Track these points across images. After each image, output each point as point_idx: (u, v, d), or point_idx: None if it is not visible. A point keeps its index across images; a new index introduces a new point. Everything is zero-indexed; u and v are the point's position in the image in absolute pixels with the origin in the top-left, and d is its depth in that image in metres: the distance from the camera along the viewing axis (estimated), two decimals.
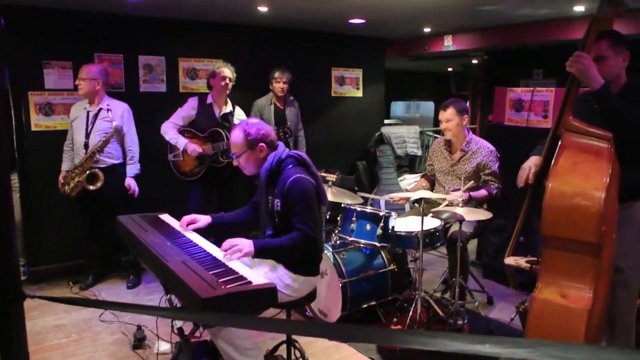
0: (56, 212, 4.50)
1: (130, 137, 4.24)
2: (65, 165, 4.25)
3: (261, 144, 2.66)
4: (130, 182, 4.22)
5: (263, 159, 2.69)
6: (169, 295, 2.53)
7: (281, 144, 2.77)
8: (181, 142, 4.27)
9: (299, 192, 2.55)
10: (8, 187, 1.46)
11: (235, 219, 2.97)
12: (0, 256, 1.45)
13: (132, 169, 4.25)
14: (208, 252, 2.42)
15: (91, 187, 4.05)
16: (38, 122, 4.44)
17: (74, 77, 4.43)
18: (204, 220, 2.86)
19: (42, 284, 4.42)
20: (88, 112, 4.14)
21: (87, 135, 4.10)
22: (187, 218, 2.87)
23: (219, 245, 2.61)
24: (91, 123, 4.11)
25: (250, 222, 2.98)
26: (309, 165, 2.72)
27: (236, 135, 2.68)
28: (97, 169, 4.07)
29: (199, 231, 2.86)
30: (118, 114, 4.16)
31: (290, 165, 2.66)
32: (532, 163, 2.58)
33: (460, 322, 3.40)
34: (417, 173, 6.81)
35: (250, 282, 2.01)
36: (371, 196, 4.57)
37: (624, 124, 2.23)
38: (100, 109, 4.12)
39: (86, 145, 4.08)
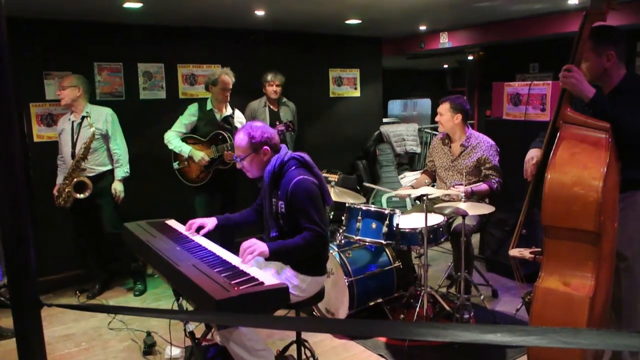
0: (61, 221, 4.52)
1: (115, 141, 4.22)
2: (60, 179, 4.27)
3: (265, 147, 2.69)
4: (117, 186, 4.20)
5: (267, 161, 2.72)
6: (180, 300, 2.56)
7: (284, 147, 2.80)
8: (185, 149, 4.30)
9: (304, 192, 2.57)
10: (25, 197, 1.49)
11: (240, 220, 3.00)
12: (17, 266, 1.48)
13: (119, 171, 4.23)
14: (218, 255, 2.45)
15: (79, 196, 4.06)
16: (40, 133, 4.48)
17: None
18: (210, 223, 2.88)
19: (49, 294, 4.45)
20: (72, 122, 4.16)
21: (74, 146, 4.12)
22: (193, 222, 2.89)
23: (226, 247, 2.65)
24: (76, 133, 4.13)
25: (254, 223, 3.01)
26: (312, 167, 2.74)
27: (241, 139, 2.70)
28: (85, 177, 4.08)
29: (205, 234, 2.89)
30: (100, 119, 4.16)
31: (293, 167, 2.68)
32: (532, 155, 2.62)
33: (466, 316, 3.44)
34: (417, 170, 6.84)
35: (262, 283, 2.04)
36: (377, 187, 4.63)
37: (618, 127, 2.26)
38: (83, 117, 4.13)
39: (73, 156, 4.11)
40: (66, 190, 4.10)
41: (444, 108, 3.91)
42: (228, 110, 4.50)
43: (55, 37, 4.50)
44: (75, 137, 4.13)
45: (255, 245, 2.48)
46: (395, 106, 11.93)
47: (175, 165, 4.38)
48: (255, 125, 2.75)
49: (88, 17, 4.45)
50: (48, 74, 4.46)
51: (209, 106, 4.43)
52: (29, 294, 1.53)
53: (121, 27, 4.75)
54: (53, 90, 4.48)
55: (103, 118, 4.18)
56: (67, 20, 4.48)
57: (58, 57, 4.50)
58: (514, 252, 2.57)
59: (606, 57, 2.44)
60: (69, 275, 4.63)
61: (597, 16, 2.27)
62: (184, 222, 3.07)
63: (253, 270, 2.24)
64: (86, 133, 4.10)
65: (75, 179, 4.07)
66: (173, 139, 4.34)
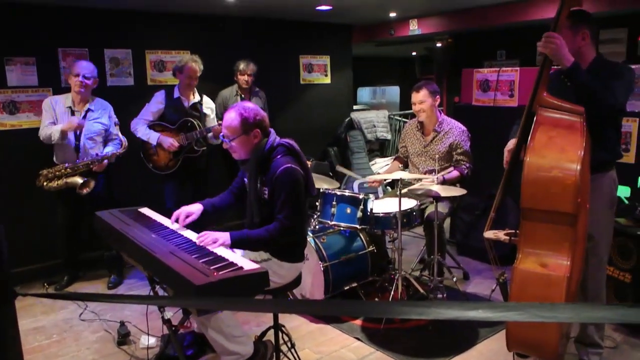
0: (27, 213, 4.39)
1: (114, 132, 4.20)
2: (58, 158, 4.07)
3: (257, 129, 2.63)
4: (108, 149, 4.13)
5: (256, 144, 2.65)
6: (156, 288, 2.52)
7: (272, 131, 2.74)
8: (153, 137, 4.21)
9: (288, 182, 2.54)
10: None
11: (221, 205, 2.92)
12: None
13: (113, 145, 4.19)
14: (194, 242, 2.42)
15: (83, 191, 3.92)
16: (2, 121, 4.31)
17: (38, 73, 4.35)
18: (196, 211, 2.77)
19: (16, 287, 4.29)
20: (73, 112, 4.02)
21: (78, 138, 3.98)
22: (178, 212, 2.74)
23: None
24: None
25: (233, 206, 2.96)
26: (299, 155, 2.70)
27: (232, 118, 2.61)
28: (89, 178, 3.95)
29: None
30: (104, 114, 4.13)
31: (280, 155, 2.64)
32: (510, 145, 2.67)
33: (440, 297, 3.50)
34: (387, 157, 6.90)
35: (241, 268, 2.03)
36: (349, 173, 4.64)
37: (594, 99, 2.33)
38: (89, 109, 4.04)
39: (77, 148, 3.99)
40: (63, 179, 3.92)
41: (424, 94, 3.88)
42: (196, 97, 4.43)
43: (17, 21, 4.31)
44: (78, 130, 3.97)
45: (217, 236, 2.44)
46: (364, 93, 11.96)
47: (143, 152, 4.30)
48: (248, 107, 2.66)
49: (52, 0, 4.29)
50: (9, 59, 4.29)
51: (176, 93, 4.34)
52: (2, 284, 1.49)
53: (87, 12, 4.60)
54: (15, 76, 4.31)
55: (107, 114, 4.15)
56: (30, 3, 4.30)
57: (20, 42, 4.33)
58: (489, 234, 2.61)
59: (581, 35, 2.52)
60: (35, 267, 4.49)
61: (573, 2, 2.33)
62: (155, 210, 3.02)
63: (232, 256, 2.22)
64: (93, 127, 4.04)
65: (80, 176, 3.94)
66: (140, 127, 4.25)
